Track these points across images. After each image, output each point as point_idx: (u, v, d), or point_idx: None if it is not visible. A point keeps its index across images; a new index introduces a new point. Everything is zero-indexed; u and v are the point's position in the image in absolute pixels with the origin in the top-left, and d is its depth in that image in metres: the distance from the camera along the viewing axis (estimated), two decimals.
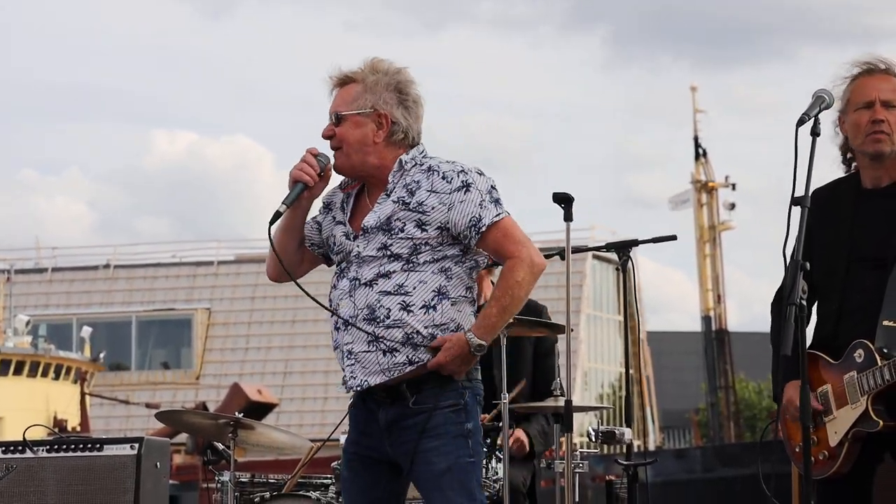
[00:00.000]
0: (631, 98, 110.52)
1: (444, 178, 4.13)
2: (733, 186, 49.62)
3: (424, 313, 4.09)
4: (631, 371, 5.98)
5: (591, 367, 53.10)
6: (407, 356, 4.09)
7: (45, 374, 40.26)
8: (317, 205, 4.34)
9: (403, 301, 4.09)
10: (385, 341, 4.08)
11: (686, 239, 49.53)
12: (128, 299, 54.23)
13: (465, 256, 4.18)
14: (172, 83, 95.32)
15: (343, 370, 4.18)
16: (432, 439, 4.09)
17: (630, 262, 5.87)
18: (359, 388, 4.12)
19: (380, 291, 4.09)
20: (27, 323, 42.08)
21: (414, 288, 4.10)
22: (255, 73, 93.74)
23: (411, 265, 4.11)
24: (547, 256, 6.38)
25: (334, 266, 4.30)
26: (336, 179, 4.31)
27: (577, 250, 5.71)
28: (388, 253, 4.12)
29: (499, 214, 4.14)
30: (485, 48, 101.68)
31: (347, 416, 4.33)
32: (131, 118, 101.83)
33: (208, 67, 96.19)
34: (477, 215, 4.11)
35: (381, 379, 4.10)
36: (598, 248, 6.32)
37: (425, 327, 4.10)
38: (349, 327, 4.11)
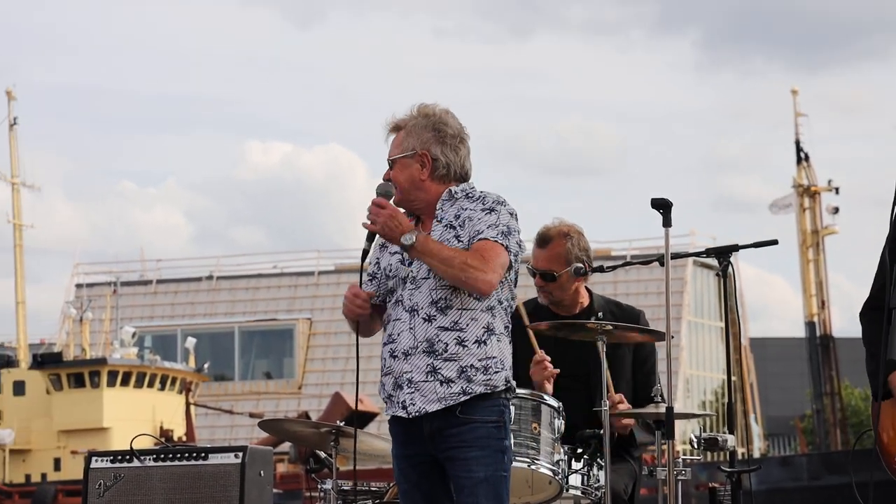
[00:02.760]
0: (723, 101, 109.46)
1: (482, 201, 4.60)
2: (836, 190, 48.92)
3: (477, 347, 4.48)
4: (734, 378, 5.91)
5: (692, 375, 52.59)
6: (461, 387, 4.45)
7: (150, 385, 40.87)
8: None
9: (459, 336, 4.46)
10: (442, 373, 4.44)
11: (787, 244, 48.92)
12: (230, 310, 54.90)
13: (503, 294, 4.54)
14: (264, 93, 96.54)
15: (393, 396, 4.51)
16: (475, 450, 4.44)
17: (731, 268, 5.80)
18: (417, 415, 4.46)
19: (438, 327, 4.46)
20: (133, 334, 42.78)
21: (467, 325, 4.48)
22: (347, 82, 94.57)
23: (458, 290, 4.44)
24: (646, 263, 6.38)
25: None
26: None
27: (676, 256, 5.67)
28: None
29: (496, 238, 4.48)
30: (575, 53, 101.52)
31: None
32: (225, 129, 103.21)
33: (299, 77, 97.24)
34: (481, 230, 4.50)
35: (437, 406, 4.46)
36: (698, 254, 6.25)
37: (479, 360, 4.47)
38: (408, 357, 4.48)
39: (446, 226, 4.55)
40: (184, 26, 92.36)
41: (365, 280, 4.66)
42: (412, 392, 4.46)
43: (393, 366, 4.51)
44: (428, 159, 4.58)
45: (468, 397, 4.43)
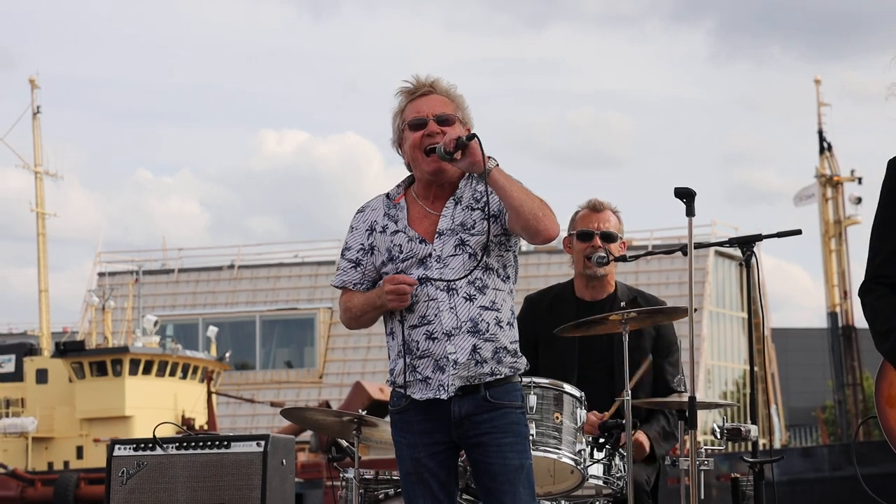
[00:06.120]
0: (739, 90, 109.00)
1: None
2: (859, 180, 48.68)
3: (510, 329, 4.40)
4: (756, 368, 5.88)
5: (714, 365, 52.46)
6: (491, 368, 4.35)
7: (172, 374, 40.99)
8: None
9: (497, 317, 4.37)
10: (480, 353, 4.34)
11: (809, 234, 48.76)
12: (251, 299, 55.00)
13: (514, 270, 4.43)
14: (279, 83, 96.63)
15: (431, 379, 4.33)
16: (509, 436, 4.34)
17: (754, 258, 5.77)
18: (451, 394, 4.32)
19: (480, 306, 4.34)
20: (155, 323, 42.90)
21: (501, 305, 4.38)
22: (361, 71, 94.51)
23: (489, 271, 4.35)
24: (668, 253, 6.36)
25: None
26: (365, 196, 4.54)
27: (699, 246, 5.65)
28: (467, 250, 4.34)
29: None
30: (589, 43, 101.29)
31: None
32: (239, 118, 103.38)
33: (313, 66, 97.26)
34: None
35: (463, 383, 4.34)
36: (721, 244, 6.22)
37: (510, 343, 4.39)
38: (451, 338, 4.32)
39: (465, 207, 4.38)
40: (201, 17, 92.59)
41: (345, 268, 4.48)
42: (455, 373, 4.31)
43: (432, 348, 4.32)
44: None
45: (493, 378, 4.32)
